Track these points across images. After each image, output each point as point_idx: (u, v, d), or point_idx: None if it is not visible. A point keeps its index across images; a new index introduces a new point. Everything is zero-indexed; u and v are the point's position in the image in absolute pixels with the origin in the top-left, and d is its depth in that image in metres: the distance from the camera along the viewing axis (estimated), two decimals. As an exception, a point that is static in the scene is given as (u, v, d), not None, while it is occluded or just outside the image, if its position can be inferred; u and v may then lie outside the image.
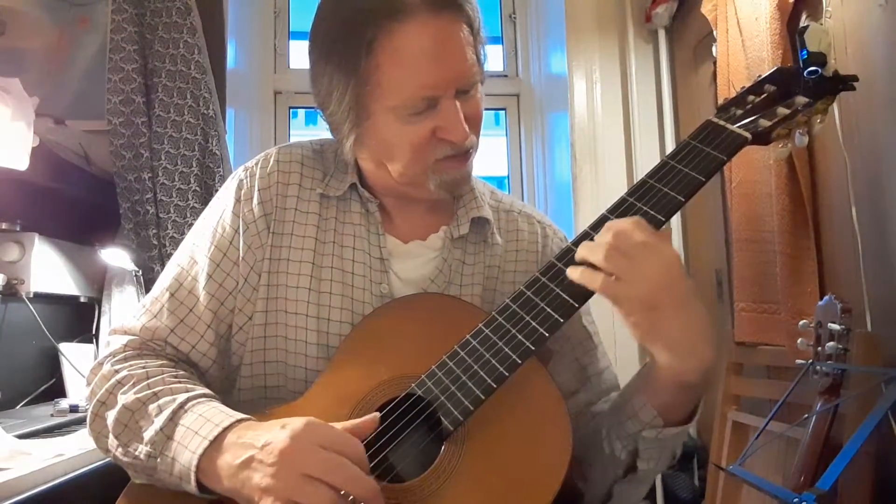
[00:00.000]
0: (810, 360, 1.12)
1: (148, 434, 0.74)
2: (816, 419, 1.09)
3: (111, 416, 0.77)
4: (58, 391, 1.70)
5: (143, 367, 0.80)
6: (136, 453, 0.75)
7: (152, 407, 0.76)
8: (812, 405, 1.11)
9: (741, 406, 1.61)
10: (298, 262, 0.88)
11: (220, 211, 0.91)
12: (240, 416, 0.74)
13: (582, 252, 0.73)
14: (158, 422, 0.74)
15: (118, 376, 0.79)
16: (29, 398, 1.67)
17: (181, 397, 0.76)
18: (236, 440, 0.70)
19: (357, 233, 0.90)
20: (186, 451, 0.71)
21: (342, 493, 0.64)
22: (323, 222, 0.90)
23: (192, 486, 0.70)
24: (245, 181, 0.91)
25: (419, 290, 0.90)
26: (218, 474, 0.69)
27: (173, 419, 0.74)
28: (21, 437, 1.23)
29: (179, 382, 0.79)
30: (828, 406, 1.08)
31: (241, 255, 0.87)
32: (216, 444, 0.70)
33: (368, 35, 0.78)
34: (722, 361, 1.65)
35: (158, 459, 0.73)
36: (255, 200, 0.89)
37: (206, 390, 0.80)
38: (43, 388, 1.72)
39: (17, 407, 1.62)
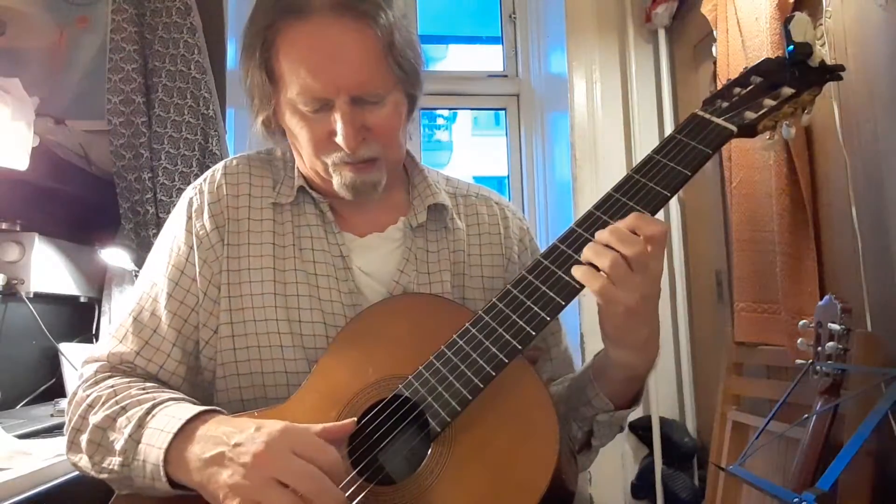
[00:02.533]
0: (810, 360, 1.12)
1: (119, 445, 0.75)
2: (816, 419, 1.08)
3: (84, 439, 0.78)
4: (58, 391, 1.70)
5: (112, 386, 0.81)
6: (111, 467, 0.75)
7: (121, 420, 0.76)
8: (812, 405, 1.11)
9: (741, 406, 1.61)
10: (259, 270, 0.88)
11: (174, 231, 0.91)
12: (205, 408, 0.74)
13: (588, 254, 0.73)
14: (127, 431, 0.75)
15: (88, 399, 0.80)
16: (29, 398, 1.67)
17: (148, 405, 0.76)
18: (205, 433, 0.71)
19: (314, 234, 0.91)
20: (154, 448, 0.72)
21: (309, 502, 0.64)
22: (279, 227, 0.90)
23: (163, 483, 0.71)
24: (195, 198, 0.92)
25: (389, 281, 0.90)
26: (187, 466, 0.70)
27: (141, 426, 0.75)
28: (21, 437, 1.23)
29: (147, 393, 0.79)
30: (828, 406, 1.08)
31: (197, 270, 0.88)
32: (182, 436, 0.71)
33: (273, 28, 0.82)
34: (722, 361, 1.66)
35: (132, 466, 0.73)
36: (205, 215, 0.90)
37: (176, 394, 0.80)
38: (43, 388, 1.72)
39: (17, 407, 1.62)
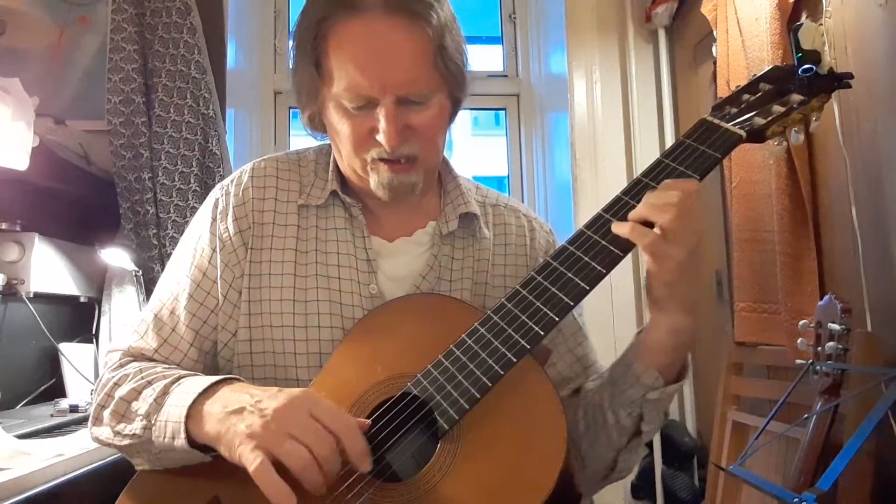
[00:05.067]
0: (810, 360, 1.12)
1: (142, 410, 0.77)
2: (816, 419, 1.08)
3: (108, 412, 0.81)
4: (58, 391, 1.70)
5: (138, 366, 0.84)
6: (133, 431, 0.78)
7: (146, 391, 0.79)
8: (812, 405, 1.11)
9: (741, 406, 1.61)
10: (280, 276, 0.88)
11: (198, 231, 0.92)
12: (230, 376, 0.78)
13: (645, 211, 0.73)
14: (152, 397, 0.78)
15: (115, 378, 0.83)
16: (29, 398, 1.67)
17: (173, 376, 0.80)
18: (230, 392, 0.74)
19: (340, 237, 0.90)
20: (177, 407, 0.75)
21: (318, 461, 0.66)
22: (303, 232, 0.90)
23: (181, 440, 0.73)
24: (221, 199, 0.92)
25: (410, 286, 0.90)
26: (205, 420, 0.72)
27: (166, 392, 0.78)
28: (21, 437, 1.22)
29: (172, 369, 0.83)
30: (828, 406, 1.08)
31: (218, 273, 0.88)
32: (206, 394, 0.74)
33: (325, 22, 0.82)
34: (722, 361, 1.66)
35: (154, 426, 0.76)
36: (230, 218, 0.90)
37: (199, 374, 0.83)
38: (43, 388, 1.72)
39: (17, 407, 1.62)
